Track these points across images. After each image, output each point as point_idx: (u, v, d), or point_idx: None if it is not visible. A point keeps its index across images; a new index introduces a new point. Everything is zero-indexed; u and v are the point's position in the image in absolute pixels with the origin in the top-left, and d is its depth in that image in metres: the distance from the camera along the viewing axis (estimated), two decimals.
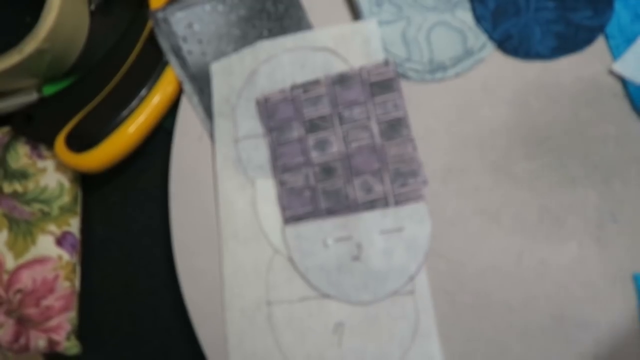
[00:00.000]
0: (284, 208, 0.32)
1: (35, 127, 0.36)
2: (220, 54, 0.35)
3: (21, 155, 0.37)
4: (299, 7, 0.35)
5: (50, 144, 0.35)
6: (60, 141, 0.34)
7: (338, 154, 0.32)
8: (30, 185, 0.36)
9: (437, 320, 0.29)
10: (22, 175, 0.37)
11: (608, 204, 0.30)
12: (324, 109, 0.32)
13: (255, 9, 0.35)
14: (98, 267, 0.37)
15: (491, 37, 0.32)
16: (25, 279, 0.35)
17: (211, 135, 0.34)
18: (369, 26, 0.33)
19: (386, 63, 0.32)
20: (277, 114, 0.33)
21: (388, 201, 0.31)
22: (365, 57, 0.33)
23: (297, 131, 0.32)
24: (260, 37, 0.35)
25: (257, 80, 0.34)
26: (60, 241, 0.36)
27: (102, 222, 0.38)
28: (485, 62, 0.33)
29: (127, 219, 0.38)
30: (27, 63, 0.35)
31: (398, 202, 0.31)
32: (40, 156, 0.37)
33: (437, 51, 0.33)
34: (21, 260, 0.35)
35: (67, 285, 0.35)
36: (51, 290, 0.35)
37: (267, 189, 0.32)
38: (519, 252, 0.30)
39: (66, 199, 0.36)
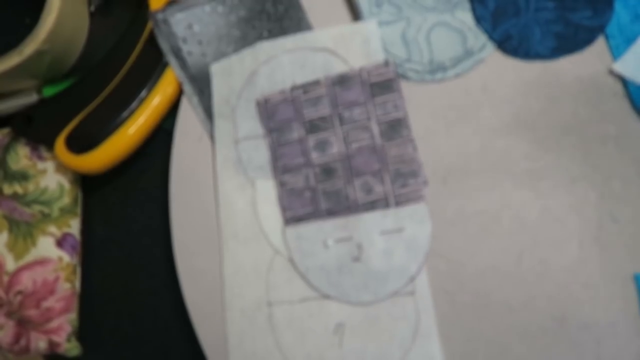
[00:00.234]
0: (284, 209, 0.32)
1: (35, 128, 0.36)
2: (220, 55, 0.35)
3: (21, 156, 0.37)
4: (298, 8, 0.35)
5: (50, 145, 0.35)
6: (60, 142, 0.34)
7: (338, 155, 0.32)
8: (31, 186, 0.36)
9: (437, 320, 0.29)
10: (22, 177, 0.37)
11: (608, 204, 0.30)
12: (324, 109, 0.32)
13: (255, 10, 0.35)
14: (98, 268, 0.37)
15: (491, 37, 0.32)
16: (26, 281, 0.35)
17: (211, 136, 0.34)
18: (369, 27, 0.33)
19: (386, 64, 0.32)
20: (277, 115, 0.33)
21: (388, 202, 0.31)
22: (365, 58, 0.33)
23: (297, 132, 0.32)
24: (260, 38, 0.35)
25: (257, 81, 0.34)
26: (60, 242, 0.36)
27: (102, 223, 0.38)
28: (485, 62, 0.33)
29: (128, 219, 0.38)
30: (27, 64, 0.35)
31: (398, 203, 0.31)
32: (40, 157, 0.37)
33: (437, 52, 0.33)
34: (21, 262, 0.35)
35: (67, 286, 0.35)
36: (51, 291, 0.35)
37: (267, 190, 0.32)
38: (520, 252, 0.30)
39: (66, 200, 0.36)
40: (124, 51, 0.36)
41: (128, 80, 0.35)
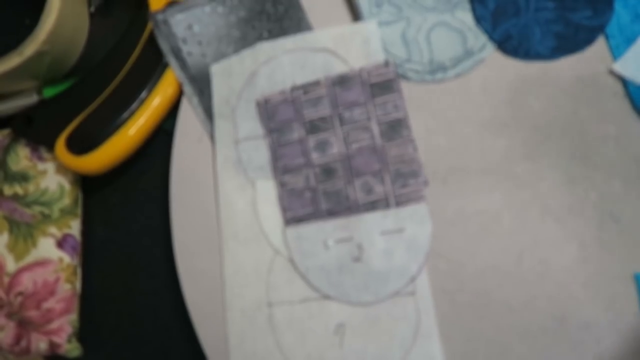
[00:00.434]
0: (284, 209, 0.32)
1: (35, 129, 0.36)
2: (220, 56, 0.35)
3: (21, 157, 0.37)
4: (298, 8, 0.35)
5: (50, 146, 0.35)
6: (60, 143, 0.34)
7: (338, 155, 0.32)
8: (31, 187, 0.36)
9: (438, 320, 0.29)
10: (23, 178, 0.37)
11: (608, 203, 0.30)
12: (324, 110, 0.32)
13: (255, 11, 0.35)
14: (99, 269, 0.37)
15: (491, 37, 0.32)
16: (26, 282, 0.35)
17: (211, 137, 0.34)
18: (369, 27, 0.33)
19: (386, 64, 0.32)
20: (277, 115, 0.33)
21: (389, 202, 0.31)
22: (365, 58, 0.33)
23: (297, 132, 0.32)
24: (260, 38, 0.35)
25: (257, 82, 0.34)
26: (61, 243, 0.36)
27: (102, 224, 0.38)
28: (485, 62, 0.33)
29: (128, 220, 0.38)
30: (27, 65, 0.35)
31: (399, 203, 0.31)
32: (40, 158, 0.37)
33: (437, 52, 0.33)
34: (22, 263, 0.35)
35: (68, 287, 0.35)
36: (52, 292, 0.35)
37: (267, 190, 0.32)
38: (520, 252, 0.30)
39: (67, 201, 0.36)
40: (124, 52, 0.36)
41: (128, 81, 0.35)
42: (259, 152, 0.33)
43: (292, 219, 0.31)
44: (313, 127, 0.32)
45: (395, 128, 0.32)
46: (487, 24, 0.33)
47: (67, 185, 0.37)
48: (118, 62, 0.36)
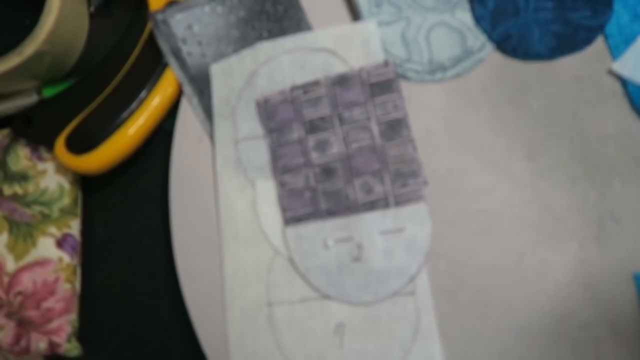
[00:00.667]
0: (284, 209, 0.32)
1: (35, 129, 0.36)
2: (220, 56, 0.35)
3: (21, 157, 0.37)
4: (298, 8, 0.35)
5: (50, 146, 0.35)
6: (60, 143, 0.34)
7: (338, 155, 0.32)
8: (31, 187, 0.36)
9: (438, 320, 0.29)
10: (22, 178, 0.37)
11: (608, 203, 0.30)
12: (324, 109, 0.32)
13: (255, 11, 0.35)
14: (98, 269, 0.37)
15: (490, 37, 0.32)
16: (26, 281, 0.35)
17: (211, 137, 0.34)
18: (369, 27, 0.33)
19: (386, 64, 0.32)
20: (277, 115, 0.33)
21: (388, 202, 0.31)
22: (365, 58, 0.33)
23: (297, 132, 0.32)
24: (259, 38, 0.35)
25: (256, 82, 0.34)
26: (60, 243, 0.36)
27: (102, 224, 0.38)
28: (484, 62, 0.33)
29: (128, 220, 0.38)
30: (26, 65, 0.35)
31: (398, 203, 0.31)
32: (40, 158, 0.37)
33: (437, 52, 0.33)
34: (21, 263, 0.35)
35: (67, 287, 0.35)
36: (52, 292, 0.35)
37: (267, 190, 0.32)
38: (520, 252, 0.30)
39: (66, 201, 0.36)
40: (123, 52, 0.36)
41: (128, 81, 0.35)
42: (259, 152, 0.33)
43: (291, 219, 0.31)
44: (313, 127, 0.32)
45: (395, 128, 0.32)
46: (487, 23, 0.33)
47: (66, 185, 0.37)
48: (118, 62, 0.36)
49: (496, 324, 0.29)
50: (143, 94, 0.35)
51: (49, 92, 0.38)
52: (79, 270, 0.36)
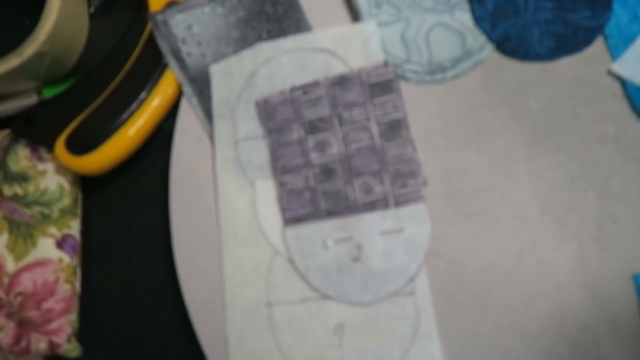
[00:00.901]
0: (284, 209, 0.32)
1: (35, 129, 0.36)
2: (220, 56, 0.35)
3: (21, 157, 0.37)
4: (298, 9, 0.35)
5: (50, 147, 0.35)
6: (60, 144, 0.35)
7: (338, 155, 0.32)
8: (31, 187, 0.36)
9: (437, 320, 0.29)
10: (22, 178, 0.37)
11: (607, 204, 0.30)
12: (324, 110, 0.32)
13: (254, 11, 0.35)
14: (98, 269, 0.37)
15: (490, 38, 0.33)
16: (26, 282, 0.35)
17: (211, 137, 0.34)
18: (368, 27, 0.33)
19: (385, 64, 0.32)
20: (277, 116, 0.33)
21: (388, 202, 0.31)
22: (365, 59, 0.33)
23: (296, 132, 0.32)
24: (259, 38, 0.35)
25: (256, 82, 0.34)
26: (60, 244, 0.36)
27: (102, 224, 0.38)
28: (484, 63, 0.33)
29: (128, 220, 0.38)
30: (26, 66, 0.35)
31: (398, 203, 0.31)
32: (40, 159, 0.37)
33: (436, 52, 0.33)
34: (22, 263, 0.35)
35: (67, 287, 0.35)
36: (52, 292, 0.35)
37: (267, 190, 0.32)
38: (519, 251, 0.30)
39: (66, 201, 0.37)
40: (123, 52, 0.36)
41: (128, 82, 0.35)
42: (259, 153, 0.33)
43: (291, 219, 0.32)
44: (312, 128, 0.32)
45: (395, 128, 0.32)
46: (486, 24, 0.33)
47: (66, 186, 0.37)
48: (118, 62, 0.36)
49: (495, 324, 0.29)
50: (143, 94, 0.35)
51: (49, 92, 0.38)
52: (79, 271, 0.36)
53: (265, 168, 0.33)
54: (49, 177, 0.37)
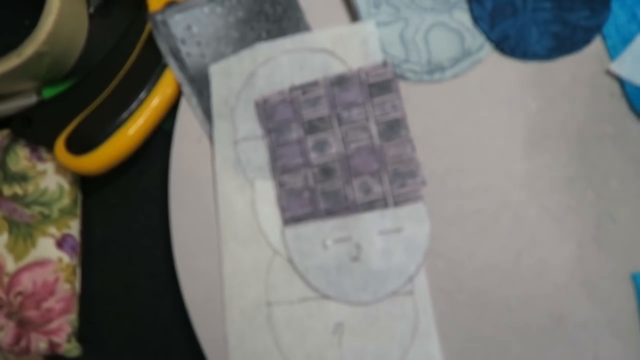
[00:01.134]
0: (283, 209, 0.32)
1: (34, 129, 0.36)
2: (219, 56, 0.35)
3: (21, 157, 0.37)
4: (297, 9, 0.35)
5: (49, 147, 0.35)
6: (59, 144, 0.35)
7: (337, 155, 0.32)
8: (30, 187, 0.36)
9: (436, 320, 0.29)
10: (22, 178, 0.37)
11: (606, 203, 0.30)
12: (323, 110, 0.32)
13: (254, 11, 0.35)
14: (98, 269, 0.37)
15: (489, 37, 0.33)
16: (26, 282, 0.35)
17: (210, 137, 0.34)
18: (367, 27, 0.33)
19: (384, 64, 0.32)
20: (276, 116, 0.33)
21: (387, 202, 0.31)
22: (364, 58, 0.33)
23: (296, 132, 0.33)
24: (258, 38, 0.35)
25: (255, 82, 0.34)
26: (60, 243, 0.36)
27: (102, 224, 0.38)
28: (483, 62, 0.33)
29: (127, 220, 0.38)
30: (26, 66, 0.35)
31: (397, 203, 0.31)
32: (40, 159, 0.37)
33: (435, 52, 0.33)
34: (21, 263, 0.35)
35: (67, 287, 0.35)
36: (51, 292, 0.35)
37: (266, 190, 0.32)
38: (518, 251, 0.30)
39: (66, 201, 0.37)
40: (123, 52, 0.36)
41: (127, 82, 0.35)
42: (258, 153, 0.33)
43: (290, 219, 0.32)
44: (311, 127, 0.32)
45: (394, 128, 0.32)
46: (485, 24, 0.33)
47: (66, 186, 0.37)
48: (117, 62, 0.36)
49: (495, 323, 0.29)
50: (142, 94, 0.35)
51: (48, 92, 0.38)
52: (78, 271, 0.37)
53: (264, 168, 0.33)
54: (49, 177, 0.37)
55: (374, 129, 0.32)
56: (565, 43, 0.32)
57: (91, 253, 0.38)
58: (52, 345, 0.34)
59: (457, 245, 0.30)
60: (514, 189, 0.31)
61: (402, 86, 0.33)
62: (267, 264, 0.32)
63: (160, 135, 0.37)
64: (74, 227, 0.37)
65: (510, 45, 0.32)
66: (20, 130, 0.36)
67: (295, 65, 0.33)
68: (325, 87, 0.33)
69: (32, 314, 0.34)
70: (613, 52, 0.31)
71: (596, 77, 0.32)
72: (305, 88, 0.33)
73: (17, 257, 0.35)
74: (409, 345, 0.29)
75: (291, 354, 0.30)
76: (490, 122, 0.32)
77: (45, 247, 0.35)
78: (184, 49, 0.35)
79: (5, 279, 0.35)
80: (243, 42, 0.35)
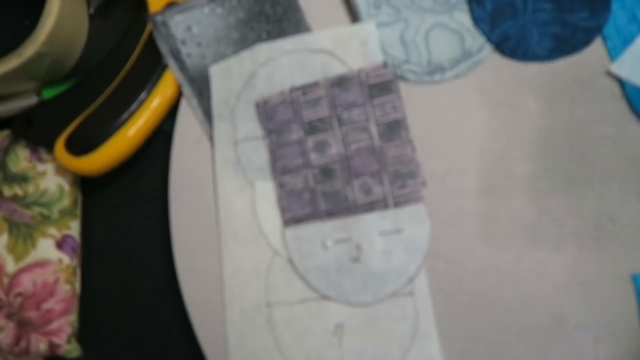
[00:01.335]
0: (283, 210, 0.32)
1: (34, 130, 0.36)
2: (219, 57, 0.35)
3: (21, 158, 0.37)
4: (297, 10, 0.35)
5: (50, 148, 0.35)
6: (60, 144, 0.35)
7: (337, 156, 0.32)
8: (30, 188, 0.36)
9: (436, 320, 0.29)
10: (22, 179, 0.37)
11: (606, 204, 0.30)
12: (323, 110, 0.32)
13: (254, 12, 0.35)
14: (98, 270, 0.37)
15: (489, 38, 0.33)
16: (26, 282, 0.35)
17: (210, 138, 0.34)
18: (367, 28, 0.33)
19: (384, 65, 0.32)
20: (276, 116, 0.33)
21: (387, 202, 0.31)
22: (364, 59, 0.33)
23: (296, 133, 0.33)
24: (258, 39, 0.35)
25: (256, 83, 0.34)
26: (60, 244, 0.36)
27: (102, 225, 0.38)
28: (483, 63, 0.33)
29: (127, 221, 0.38)
30: (26, 67, 0.35)
31: (397, 204, 0.31)
32: (40, 159, 0.37)
33: (435, 53, 0.33)
34: (21, 264, 0.35)
35: (67, 288, 0.35)
36: (52, 293, 0.35)
37: (266, 191, 0.32)
38: (518, 252, 0.30)
39: (66, 202, 0.37)
40: (123, 53, 0.36)
41: (127, 82, 0.35)
42: (258, 153, 0.33)
43: (291, 220, 0.32)
44: (312, 128, 0.32)
45: (394, 129, 0.32)
46: (485, 25, 0.33)
47: (66, 186, 0.37)
48: (117, 63, 0.36)
49: (495, 324, 0.29)
50: (143, 95, 0.35)
51: (48, 93, 0.38)
52: (78, 271, 0.37)
53: (264, 169, 0.33)
54: (49, 177, 0.37)
55: (374, 130, 0.32)
56: (565, 44, 0.32)
57: (91, 254, 0.38)
58: (52, 346, 0.34)
59: (457, 246, 0.30)
60: (514, 189, 0.31)
61: (403, 87, 0.33)
62: (267, 264, 0.32)
63: (161, 136, 0.37)
64: (74, 228, 0.37)
65: (510, 46, 0.32)
66: (20, 131, 0.36)
67: (296, 66, 0.33)
68: (325, 88, 0.33)
69: (32, 314, 0.34)
70: (613, 53, 0.31)
71: (596, 78, 0.32)
72: (305, 89, 0.33)
73: (17, 258, 0.35)
74: (409, 346, 0.29)
75: (291, 355, 0.30)
76: (491, 123, 0.32)
77: (46, 247, 0.35)
78: (184, 50, 0.35)
79: (5, 280, 0.35)
80: (243, 42, 0.35)
